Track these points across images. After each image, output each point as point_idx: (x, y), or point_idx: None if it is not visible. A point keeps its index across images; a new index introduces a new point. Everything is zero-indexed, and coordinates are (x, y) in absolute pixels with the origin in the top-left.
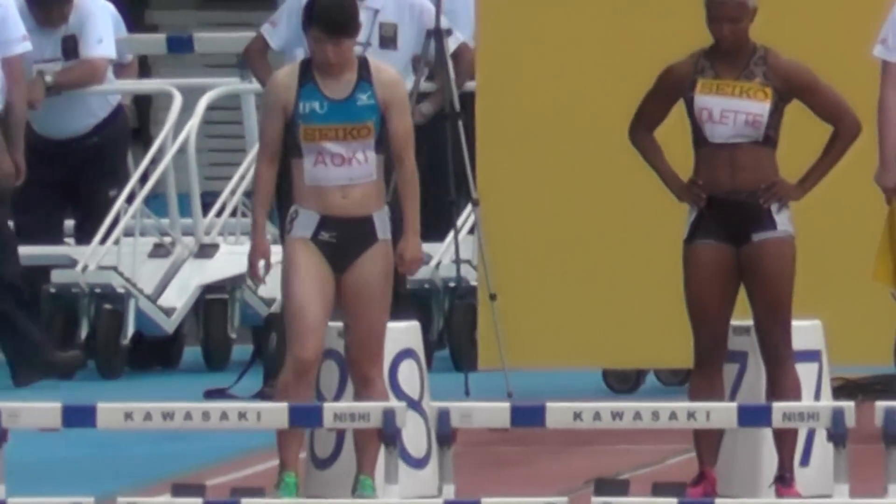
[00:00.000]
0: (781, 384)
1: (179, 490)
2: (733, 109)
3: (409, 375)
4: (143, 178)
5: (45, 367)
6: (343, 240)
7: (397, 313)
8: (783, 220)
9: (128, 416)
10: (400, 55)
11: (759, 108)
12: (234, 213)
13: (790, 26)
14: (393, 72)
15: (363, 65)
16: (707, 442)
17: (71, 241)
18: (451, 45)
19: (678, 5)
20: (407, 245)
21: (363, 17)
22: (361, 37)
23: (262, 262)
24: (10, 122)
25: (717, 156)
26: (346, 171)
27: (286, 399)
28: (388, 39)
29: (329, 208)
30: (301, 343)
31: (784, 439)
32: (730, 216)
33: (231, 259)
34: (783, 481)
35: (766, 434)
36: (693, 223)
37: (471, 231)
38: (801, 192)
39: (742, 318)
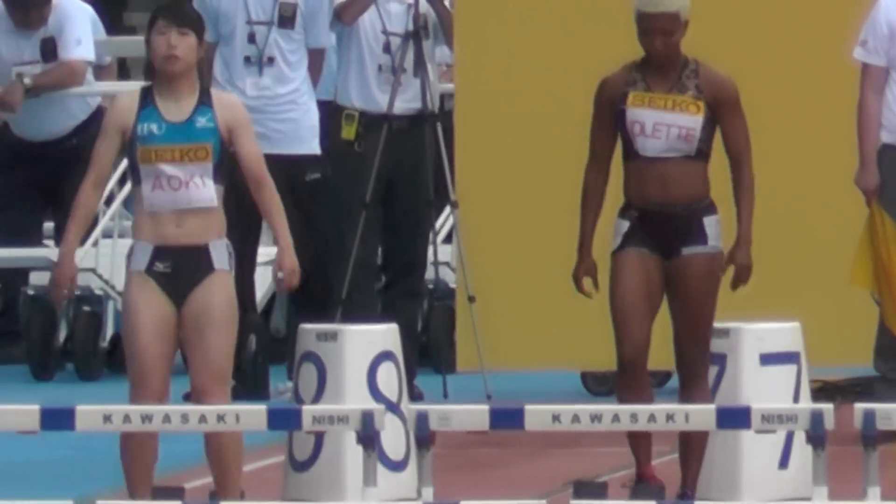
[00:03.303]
0: (693, 400)
1: (158, 493)
2: (666, 123)
3: (387, 378)
4: (122, 180)
5: None
6: (178, 270)
7: (410, 312)
8: (713, 235)
9: (106, 418)
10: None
11: (692, 121)
12: None
13: (768, 29)
14: (233, 97)
15: (204, 91)
16: (643, 442)
17: (50, 243)
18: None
19: None
20: (283, 257)
21: (400, 10)
22: (402, 28)
23: (64, 291)
24: None
25: (649, 169)
26: (183, 196)
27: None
28: (426, 31)
29: (163, 238)
30: (143, 386)
31: (691, 455)
32: (661, 229)
33: None
34: (685, 499)
35: (745, 436)
36: (625, 234)
37: (449, 233)
38: (747, 253)
39: (721, 320)
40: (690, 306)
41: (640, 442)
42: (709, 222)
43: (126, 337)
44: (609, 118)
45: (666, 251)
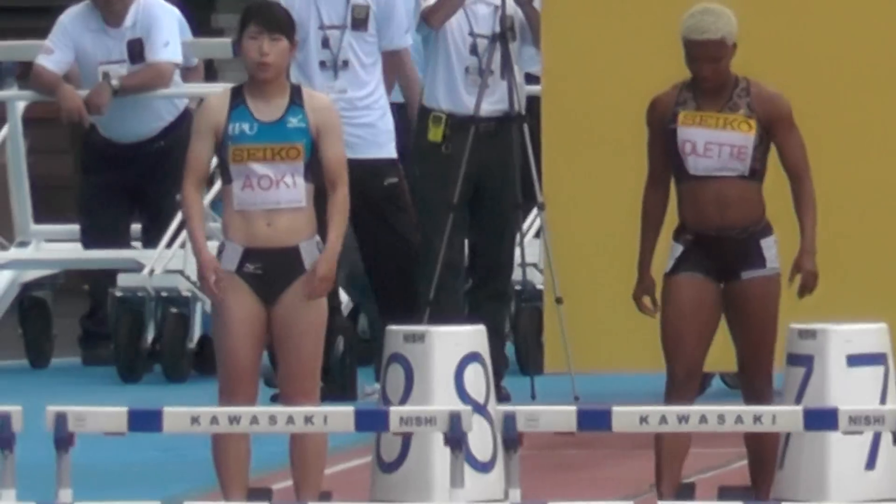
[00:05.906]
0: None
1: (247, 494)
2: (717, 142)
3: (474, 379)
4: (209, 182)
5: None
6: (268, 271)
7: (497, 313)
8: (772, 257)
9: (194, 420)
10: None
11: (744, 139)
12: None
13: (839, 30)
14: (325, 98)
15: (295, 91)
16: (673, 460)
17: (138, 244)
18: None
19: (746, 9)
20: (321, 262)
21: (486, 11)
22: (489, 30)
23: (213, 277)
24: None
25: (704, 191)
26: (273, 195)
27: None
28: (513, 32)
29: (253, 239)
30: (233, 388)
31: (763, 468)
32: (718, 252)
33: None
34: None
35: (832, 438)
36: (679, 257)
37: (537, 234)
38: (813, 261)
39: (807, 321)
40: (752, 333)
41: (672, 463)
42: (766, 244)
43: (217, 337)
44: (661, 137)
45: (723, 274)
